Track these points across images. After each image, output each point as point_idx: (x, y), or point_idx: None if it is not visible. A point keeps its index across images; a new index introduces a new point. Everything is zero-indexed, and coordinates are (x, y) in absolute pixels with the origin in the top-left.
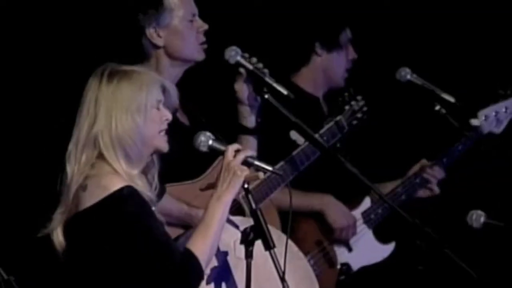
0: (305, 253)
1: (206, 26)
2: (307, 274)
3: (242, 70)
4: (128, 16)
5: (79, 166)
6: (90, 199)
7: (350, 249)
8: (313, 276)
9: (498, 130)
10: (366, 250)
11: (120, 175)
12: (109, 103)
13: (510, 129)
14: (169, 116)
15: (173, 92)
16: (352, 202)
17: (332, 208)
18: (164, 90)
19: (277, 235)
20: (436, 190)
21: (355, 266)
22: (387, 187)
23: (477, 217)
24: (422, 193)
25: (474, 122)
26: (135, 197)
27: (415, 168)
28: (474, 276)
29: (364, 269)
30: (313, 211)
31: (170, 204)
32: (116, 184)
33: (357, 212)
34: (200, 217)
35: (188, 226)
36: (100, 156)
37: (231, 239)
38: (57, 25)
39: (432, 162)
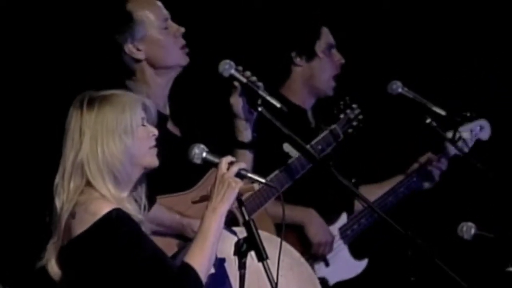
0: None
1: (182, 29)
2: (310, 279)
3: (236, 83)
4: (103, 38)
5: (68, 195)
6: (80, 226)
7: (327, 264)
8: (316, 280)
9: (467, 149)
10: (341, 265)
11: (108, 199)
12: (93, 129)
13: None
14: (155, 131)
15: (153, 108)
16: (329, 219)
17: (313, 222)
18: (145, 107)
19: (275, 242)
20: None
21: (332, 281)
22: (382, 188)
23: (468, 229)
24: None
25: (466, 135)
26: (124, 219)
27: (423, 159)
28: (465, 287)
29: (338, 284)
30: (294, 223)
31: (161, 213)
32: (104, 208)
33: (334, 228)
34: (192, 226)
35: (180, 235)
36: (88, 183)
37: (231, 248)
38: (38, 45)
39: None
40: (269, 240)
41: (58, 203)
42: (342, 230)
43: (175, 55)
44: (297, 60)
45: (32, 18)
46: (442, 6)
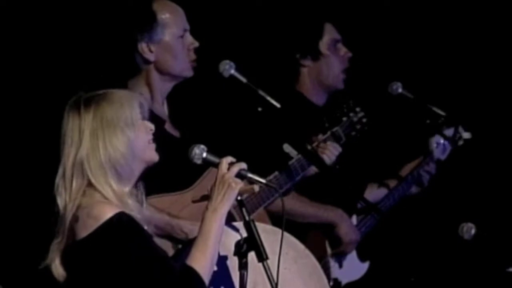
0: None
1: (196, 44)
2: (315, 270)
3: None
4: (121, 31)
5: (70, 194)
6: (83, 230)
7: (340, 265)
8: (320, 271)
9: (443, 157)
10: (350, 267)
11: (110, 202)
12: (93, 127)
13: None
14: (152, 126)
15: (146, 105)
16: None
17: (344, 222)
18: (140, 104)
19: (279, 235)
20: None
21: (343, 282)
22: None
23: (468, 229)
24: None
25: (466, 135)
26: (127, 222)
27: (412, 164)
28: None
29: (348, 285)
30: (326, 222)
31: (151, 213)
32: (107, 213)
33: None
34: (182, 227)
35: (170, 236)
36: (89, 184)
37: (232, 243)
38: (53, 32)
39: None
40: (273, 233)
41: (60, 203)
42: None
43: (183, 66)
44: (303, 61)
45: (40, 13)
46: (442, 6)
